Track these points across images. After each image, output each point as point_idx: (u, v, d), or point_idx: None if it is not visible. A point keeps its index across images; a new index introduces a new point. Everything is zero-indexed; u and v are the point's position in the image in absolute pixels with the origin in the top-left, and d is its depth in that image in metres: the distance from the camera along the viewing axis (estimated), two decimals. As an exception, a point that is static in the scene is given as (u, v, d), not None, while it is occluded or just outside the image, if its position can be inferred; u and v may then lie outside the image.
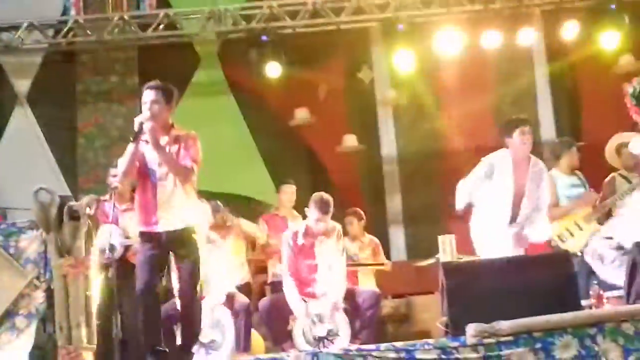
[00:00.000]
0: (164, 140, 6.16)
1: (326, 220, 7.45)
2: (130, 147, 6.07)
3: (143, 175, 6.18)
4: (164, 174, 6.13)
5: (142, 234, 6.21)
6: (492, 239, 7.02)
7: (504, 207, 7.13)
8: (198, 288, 6.28)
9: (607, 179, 7.94)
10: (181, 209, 6.13)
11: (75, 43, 11.03)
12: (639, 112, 6.98)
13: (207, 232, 7.45)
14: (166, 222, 6.10)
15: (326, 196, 7.53)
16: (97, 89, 11.51)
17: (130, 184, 7.23)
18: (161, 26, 10.76)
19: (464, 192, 7.32)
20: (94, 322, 5.59)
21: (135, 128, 6.06)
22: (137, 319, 6.48)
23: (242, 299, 7.35)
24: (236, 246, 8.21)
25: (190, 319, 6.27)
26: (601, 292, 7.28)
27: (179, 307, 6.51)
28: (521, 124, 7.26)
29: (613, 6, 10.48)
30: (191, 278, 6.18)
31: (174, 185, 6.12)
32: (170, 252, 6.25)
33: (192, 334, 6.30)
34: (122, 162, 6.13)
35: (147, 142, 6.11)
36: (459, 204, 7.35)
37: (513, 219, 7.12)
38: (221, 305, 7.21)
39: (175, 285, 6.83)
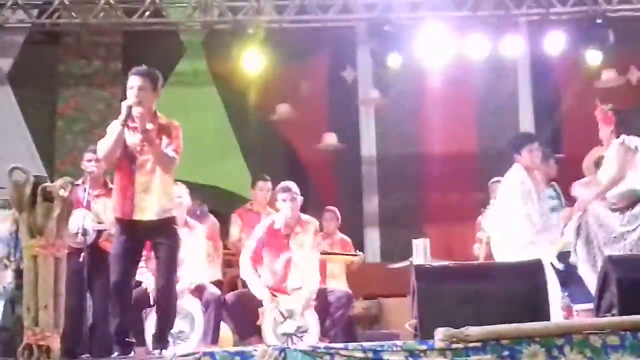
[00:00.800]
0: (149, 127, 6.10)
1: (294, 201, 7.41)
2: (117, 129, 5.99)
3: (123, 161, 6.11)
4: (144, 161, 6.07)
5: (119, 221, 6.15)
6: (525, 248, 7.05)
7: (533, 217, 7.19)
8: (175, 277, 6.27)
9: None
10: (160, 198, 6.07)
11: (60, 24, 10.94)
12: (609, 118, 7.04)
13: (184, 216, 7.41)
14: (143, 211, 6.04)
15: (290, 182, 7.55)
16: (79, 72, 11.46)
17: (105, 170, 7.21)
18: (147, 13, 10.70)
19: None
20: (62, 305, 5.54)
21: (124, 112, 5.99)
22: (106, 306, 6.46)
23: (213, 290, 7.31)
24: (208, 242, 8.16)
25: (167, 308, 6.23)
26: (571, 304, 7.31)
27: (152, 295, 6.50)
28: (528, 142, 7.37)
29: (599, 20, 10.53)
30: (169, 267, 6.14)
31: (153, 173, 6.06)
32: (147, 241, 6.22)
33: (167, 323, 6.26)
34: (106, 144, 6.05)
35: (127, 126, 6.04)
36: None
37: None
38: (191, 296, 7.17)
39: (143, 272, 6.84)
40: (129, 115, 5.98)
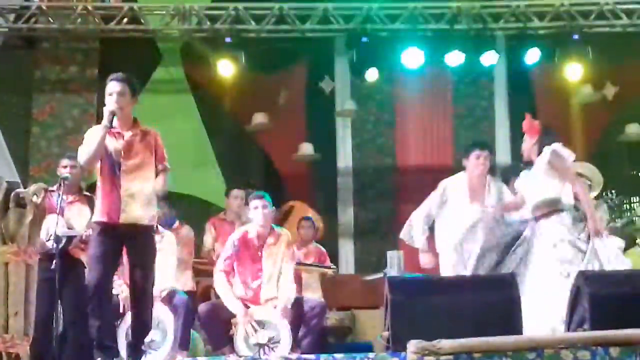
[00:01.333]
0: (128, 134, 6.11)
1: (265, 208, 7.37)
2: (99, 134, 5.99)
3: (105, 167, 6.10)
4: (128, 167, 6.07)
5: (102, 224, 6.09)
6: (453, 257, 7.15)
7: (463, 227, 7.25)
8: (152, 285, 6.24)
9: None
10: (145, 204, 6.09)
11: (36, 30, 10.92)
12: (535, 129, 6.92)
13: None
14: (129, 215, 6.03)
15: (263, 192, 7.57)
16: (56, 78, 11.37)
17: (80, 177, 7.18)
18: (125, 20, 10.69)
19: (420, 224, 7.41)
20: (33, 312, 5.49)
21: (106, 117, 6.00)
22: (76, 313, 6.42)
23: (181, 295, 7.28)
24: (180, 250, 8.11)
25: (144, 315, 6.21)
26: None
27: (126, 304, 6.46)
28: (477, 148, 7.41)
29: (576, 36, 10.61)
30: (147, 273, 6.13)
31: (138, 179, 6.07)
32: (125, 246, 6.18)
33: (144, 330, 6.24)
34: (88, 149, 6.02)
35: (109, 132, 6.03)
36: (417, 239, 7.45)
37: None
38: (161, 303, 7.11)
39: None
40: (111, 120, 5.99)
